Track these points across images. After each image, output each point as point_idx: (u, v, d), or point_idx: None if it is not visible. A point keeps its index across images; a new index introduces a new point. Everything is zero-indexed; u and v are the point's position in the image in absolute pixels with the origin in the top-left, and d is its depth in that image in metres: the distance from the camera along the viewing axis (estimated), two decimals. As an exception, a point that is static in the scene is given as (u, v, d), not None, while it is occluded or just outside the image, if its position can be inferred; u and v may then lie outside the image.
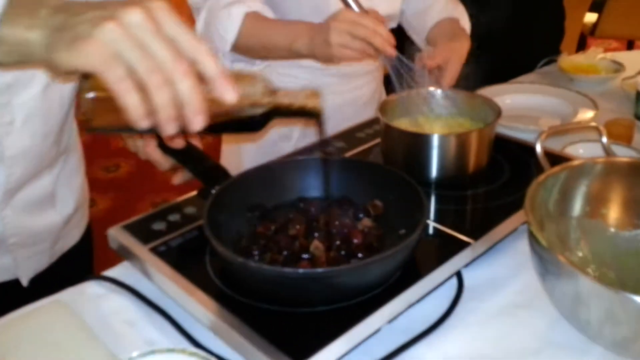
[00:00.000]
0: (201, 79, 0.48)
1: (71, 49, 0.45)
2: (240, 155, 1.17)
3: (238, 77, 0.55)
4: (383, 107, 0.93)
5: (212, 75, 0.47)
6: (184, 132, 0.48)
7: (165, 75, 0.45)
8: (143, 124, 0.46)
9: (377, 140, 1.01)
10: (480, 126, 0.91)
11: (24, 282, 0.87)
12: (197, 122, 0.47)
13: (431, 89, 0.97)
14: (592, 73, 1.40)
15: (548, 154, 0.79)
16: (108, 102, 0.47)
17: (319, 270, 0.60)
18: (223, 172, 0.75)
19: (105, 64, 0.44)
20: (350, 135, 1.02)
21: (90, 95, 0.50)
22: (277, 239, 0.69)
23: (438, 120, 0.97)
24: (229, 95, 0.48)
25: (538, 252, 0.61)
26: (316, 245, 0.67)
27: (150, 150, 0.76)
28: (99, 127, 0.53)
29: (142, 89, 0.45)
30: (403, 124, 0.95)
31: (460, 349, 0.64)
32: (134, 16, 0.45)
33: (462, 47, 1.02)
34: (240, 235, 0.72)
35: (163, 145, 0.75)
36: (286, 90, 0.58)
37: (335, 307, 0.62)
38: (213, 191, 0.71)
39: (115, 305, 0.72)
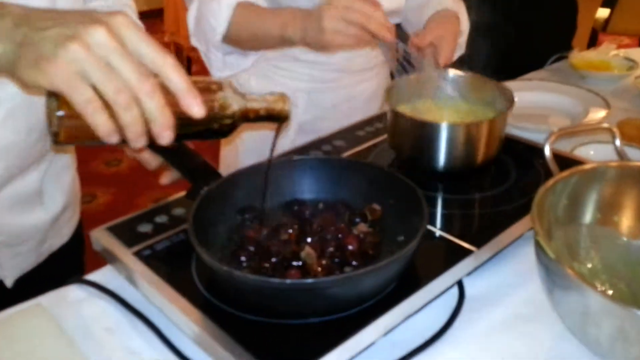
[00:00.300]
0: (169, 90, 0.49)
1: (35, 69, 0.45)
2: (237, 150, 1.13)
3: (205, 86, 0.55)
4: (390, 92, 0.88)
5: (178, 90, 0.48)
6: (152, 144, 0.49)
7: (132, 94, 0.46)
8: (112, 139, 0.48)
9: (379, 139, 0.96)
10: (492, 113, 0.86)
11: (8, 283, 0.83)
12: (165, 137, 0.49)
13: (438, 71, 0.92)
14: (605, 70, 1.35)
15: (557, 156, 0.74)
16: (77, 118, 0.47)
17: (308, 281, 0.56)
18: (212, 172, 0.71)
19: (70, 85, 0.45)
20: (350, 134, 0.98)
21: (60, 113, 0.50)
22: (267, 244, 0.65)
23: (447, 105, 0.93)
24: (196, 110, 0.49)
25: (545, 263, 0.57)
26: (308, 252, 0.63)
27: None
28: (69, 141, 0.53)
29: (109, 107, 0.46)
30: (410, 109, 0.90)
31: (458, 363, 0.60)
32: (97, 35, 0.45)
33: (453, 25, 0.98)
34: (230, 240, 0.68)
35: (150, 143, 0.71)
36: (253, 95, 0.59)
37: (327, 319, 0.59)
38: (202, 192, 0.67)
39: (97, 310, 0.68)
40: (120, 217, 0.76)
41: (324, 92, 1.10)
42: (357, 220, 0.71)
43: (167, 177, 0.75)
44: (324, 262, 0.63)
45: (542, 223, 0.61)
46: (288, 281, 0.55)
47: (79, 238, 0.94)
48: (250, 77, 1.10)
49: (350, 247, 0.65)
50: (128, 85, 0.45)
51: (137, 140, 0.48)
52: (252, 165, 0.74)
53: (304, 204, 0.73)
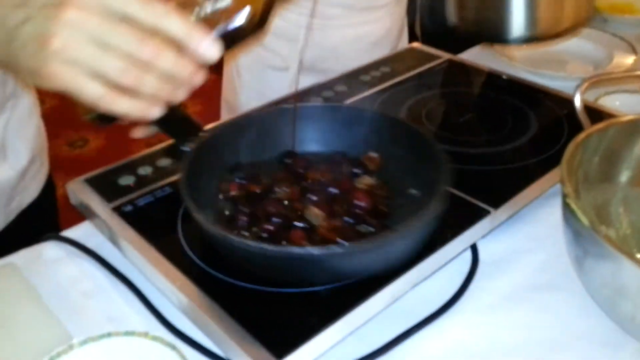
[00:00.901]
0: None
1: (35, 78, 0.42)
2: (236, 92, 1.05)
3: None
4: None
5: (183, 37, 0.43)
6: None
7: (137, 66, 0.42)
8: (152, 113, 0.45)
9: (386, 84, 0.88)
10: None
11: None
12: (198, 79, 0.45)
13: None
14: (630, 13, 1.25)
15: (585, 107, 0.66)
16: None
17: (337, 249, 0.48)
18: (194, 126, 0.63)
19: (73, 86, 0.41)
20: (354, 78, 0.90)
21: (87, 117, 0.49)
22: (264, 204, 0.58)
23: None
24: (212, 51, 0.44)
25: (575, 229, 0.50)
26: (315, 213, 0.56)
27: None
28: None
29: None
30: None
31: (471, 336, 0.55)
32: (72, 21, 0.40)
33: None
34: (220, 201, 0.61)
35: None
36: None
37: (330, 287, 0.52)
38: (184, 148, 0.60)
39: (75, 272, 0.62)
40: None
41: (326, 29, 1.01)
42: (358, 171, 0.64)
43: (141, 130, 0.65)
44: (335, 223, 0.56)
45: (570, 182, 0.54)
46: (315, 251, 0.48)
47: (50, 192, 0.87)
48: None
49: (361, 204, 0.58)
50: (129, 58, 0.41)
51: (172, 95, 0.45)
52: (241, 116, 0.66)
53: (297, 156, 0.66)
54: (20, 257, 0.64)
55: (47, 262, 0.63)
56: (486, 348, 0.54)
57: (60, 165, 1.65)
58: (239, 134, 0.64)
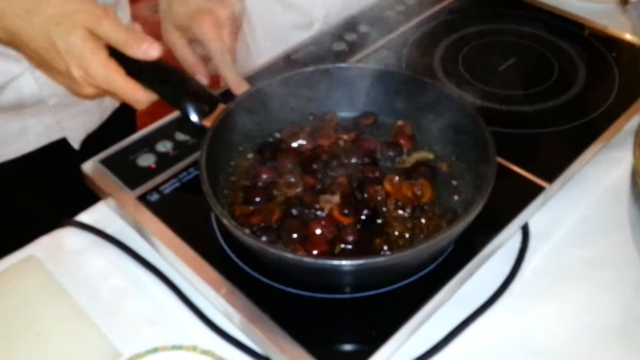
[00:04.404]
0: None
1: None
2: (249, 51, 0.95)
3: None
4: None
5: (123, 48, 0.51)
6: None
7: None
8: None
9: (412, 22, 0.80)
10: None
11: (75, 145, 0.77)
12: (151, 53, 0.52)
13: None
14: None
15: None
16: None
17: (372, 261, 0.45)
18: (207, 95, 0.56)
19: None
20: (378, 16, 0.81)
21: None
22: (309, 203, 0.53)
23: None
24: (153, 50, 0.52)
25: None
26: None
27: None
28: None
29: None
30: None
31: (526, 324, 0.52)
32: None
33: None
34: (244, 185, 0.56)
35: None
36: None
37: (383, 291, 0.49)
38: (201, 123, 0.54)
39: (102, 264, 0.58)
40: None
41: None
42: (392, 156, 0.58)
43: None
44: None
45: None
46: (347, 263, 0.44)
47: None
48: None
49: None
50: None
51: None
52: (259, 88, 0.59)
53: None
54: (40, 248, 0.59)
55: (70, 254, 0.59)
56: (543, 338, 0.52)
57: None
58: (260, 104, 0.58)
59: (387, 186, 0.54)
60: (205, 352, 0.47)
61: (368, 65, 0.69)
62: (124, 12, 0.78)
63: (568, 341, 0.51)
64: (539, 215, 0.60)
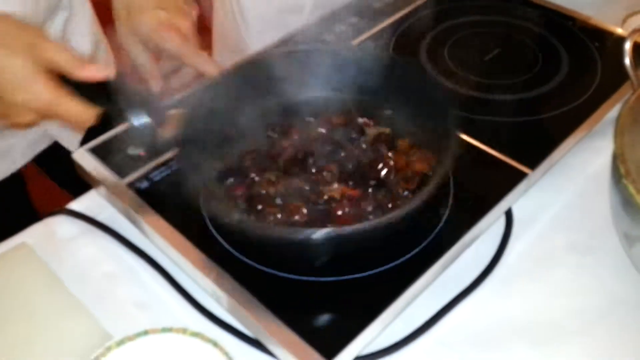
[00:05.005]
0: None
1: None
2: (239, 31, 0.95)
3: None
4: None
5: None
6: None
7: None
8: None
9: (400, 14, 0.81)
10: None
11: (72, 147, 0.76)
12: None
13: None
14: None
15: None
16: None
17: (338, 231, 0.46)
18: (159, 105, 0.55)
19: None
20: (365, 7, 0.82)
21: None
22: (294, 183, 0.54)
23: None
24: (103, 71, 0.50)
25: (631, 214, 0.48)
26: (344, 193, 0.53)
27: None
28: None
29: None
30: None
31: (510, 307, 0.54)
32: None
33: None
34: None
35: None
36: None
37: (370, 273, 0.51)
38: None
39: (93, 251, 0.59)
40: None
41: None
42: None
43: None
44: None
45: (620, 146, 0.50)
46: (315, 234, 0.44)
47: None
48: None
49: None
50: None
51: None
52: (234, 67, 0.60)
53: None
54: (32, 236, 0.60)
55: (62, 241, 0.60)
56: (526, 319, 0.53)
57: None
58: (232, 89, 0.58)
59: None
60: (195, 334, 0.48)
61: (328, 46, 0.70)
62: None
63: (551, 323, 0.53)
64: (523, 202, 0.61)
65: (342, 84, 0.61)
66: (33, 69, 0.47)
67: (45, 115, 0.50)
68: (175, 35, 0.60)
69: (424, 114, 0.56)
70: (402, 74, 0.59)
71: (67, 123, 0.51)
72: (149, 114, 0.51)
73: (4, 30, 0.49)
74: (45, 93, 0.48)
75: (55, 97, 0.48)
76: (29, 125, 0.51)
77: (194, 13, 0.65)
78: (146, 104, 0.52)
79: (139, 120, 0.51)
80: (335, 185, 0.54)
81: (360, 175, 0.54)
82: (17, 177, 0.77)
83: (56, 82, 0.49)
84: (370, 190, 0.53)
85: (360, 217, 0.51)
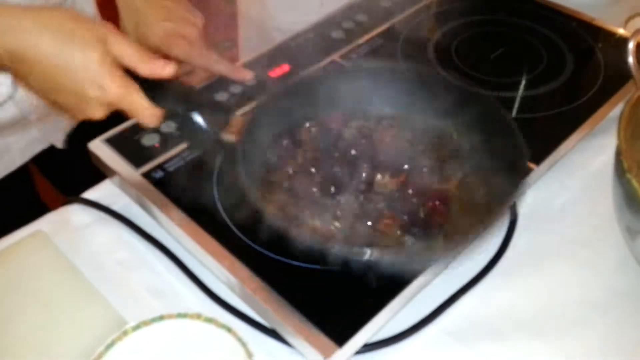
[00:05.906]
0: None
1: None
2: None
3: None
4: None
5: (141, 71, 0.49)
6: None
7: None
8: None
9: (407, 12, 0.82)
10: None
11: (59, 145, 0.78)
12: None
13: None
14: None
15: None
16: None
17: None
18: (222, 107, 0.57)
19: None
20: (374, 5, 0.83)
21: None
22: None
23: None
24: (168, 68, 0.49)
25: (635, 208, 0.49)
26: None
27: None
28: None
29: None
30: None
31: (512, 300, 0.55)
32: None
33: None
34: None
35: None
36: None
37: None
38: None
39: (108, 239, 0.60)
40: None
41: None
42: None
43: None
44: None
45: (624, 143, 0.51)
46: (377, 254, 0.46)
47: None
48: None
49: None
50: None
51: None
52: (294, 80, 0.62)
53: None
54: (48, 223, 0.62)
55: (77, 229, 0.61)
56: (529, 312, 0.55)
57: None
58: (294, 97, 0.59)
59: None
60: (209, 320, 0.50)
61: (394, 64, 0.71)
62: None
63: (553, 315, 0.54)
64: (528, 197, 0.63)
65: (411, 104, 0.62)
66: (107, 64, 0.47)
67: (114, 109, 0.50)
68: (182, 41, 0.62)
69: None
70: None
71: (135, 118, 0.51)
72: (212, 116, 0.51)
73: (72, 25, 0.47)
74: (116, 87, 0.47)
75: (126, 92, 0.48)
76: (100, 117, 0.50)
77: (199, 21, 0.67)
78: (210, 106, 0.53)
79: (202, 122, 0.51)
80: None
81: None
82: (23, 173, 0.78)
83: (126, 77, 0.48)
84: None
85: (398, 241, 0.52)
